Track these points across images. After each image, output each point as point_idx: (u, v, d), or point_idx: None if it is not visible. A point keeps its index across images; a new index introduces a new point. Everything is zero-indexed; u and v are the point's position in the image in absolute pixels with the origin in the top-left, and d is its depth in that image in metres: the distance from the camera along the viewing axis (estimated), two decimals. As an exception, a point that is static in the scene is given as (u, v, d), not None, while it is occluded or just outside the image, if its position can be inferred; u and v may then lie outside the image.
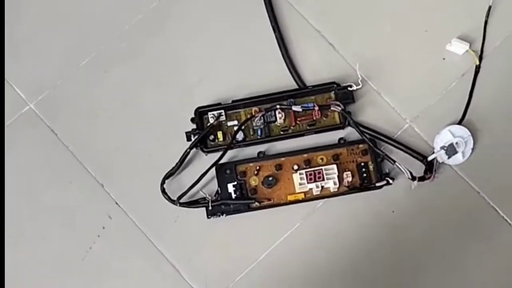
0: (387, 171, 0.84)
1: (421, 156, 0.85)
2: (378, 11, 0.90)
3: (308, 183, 0.82)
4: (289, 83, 0.88)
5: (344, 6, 0.91)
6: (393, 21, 0.90)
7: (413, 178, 0.83)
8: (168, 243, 0.83)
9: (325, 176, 0.82)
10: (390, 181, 0.83)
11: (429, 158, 0.84)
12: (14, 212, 0.83)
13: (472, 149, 0.85)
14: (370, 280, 0.82)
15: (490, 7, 0.90)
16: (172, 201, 0.82)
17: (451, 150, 0.85)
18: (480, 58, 0.89)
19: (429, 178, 0.84)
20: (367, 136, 0.84)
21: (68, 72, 0.88)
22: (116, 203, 0.84)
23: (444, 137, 0.85)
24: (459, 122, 0.87)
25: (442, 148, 0.85)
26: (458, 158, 0.85)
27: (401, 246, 0.84)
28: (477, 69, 0.88)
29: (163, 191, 0.82)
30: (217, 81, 0.88)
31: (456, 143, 0.85)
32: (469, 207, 0.85)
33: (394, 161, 0.82)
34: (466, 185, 0.85)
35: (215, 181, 0.84)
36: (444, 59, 0.89)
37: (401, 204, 0.84)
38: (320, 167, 0.83)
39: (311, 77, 0.88)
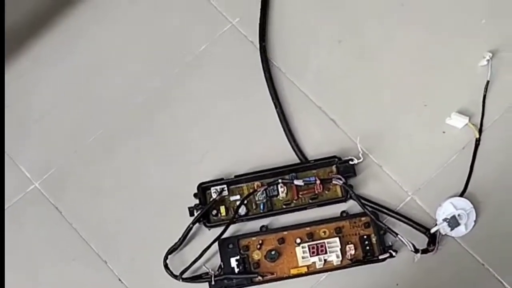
0: (390, 243, 0.84)
1: (423, 228, 0.85)
2: (378, 86, 0.92)
3: (311, 256, 0.82)
4: (291, 158, 0.89)
5: (344, 82, 0.93)
6: (392, 96, 0.92)
7: (416, 251, 0.83)
8: None
9: (327, 249, 0.82)
10: (393, 253, 0.83)
11: (432, 231, 0.84)
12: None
13: (475, 221, 0.85)
14: None
15: (488, 82, 0.91)
16: (175, 276, 0.82)
17: (453, 222, 0.85)
18: (480, 131, 0.90)
19: (432, 250, 0.84)
20: (369, 209, 0.84)
21: (73, 150, 0.90)
22: (119, 280, 0.84)
23: (446, 210, 0.85)
24: (461, 195, 0.87)
25: (444, 220, 0.85)
26: (461, 230, 0.85)
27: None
28: (477, 142, 0.89)
29: (166, 266, 0.83)
30: (220, 157, 0.89)
31: (459, 215, 0.85)
32: (473, 279, 0.84)
33: (397, 234, 0.83)
34: (469, 257, 0.85)
35: (218, 255, 0.84)
36: (444, 132, 0.90)
37: (404, 276, 0.84)
38: (323, 241, 0.83)
39: (313, 151, 0.89)
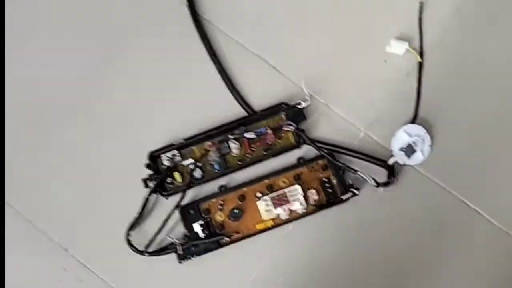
0: (350, 182, 0.83)
1: (381, 162, 0.84)
2: (313, 27, 0.90)
3: (274, 208, 0.81)
4: (238, 112, 0.87)
5: (279, 27, 0.90)
6: (329, 35, 0.90)
7: (378, 185, 0.82)
8: None
9: (290, 198, 0.81)
10: (356, 191, 0.82)
11: (390, 162, 0.83)
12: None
13: (430, 146, 0.85)
14: None
15: (421, 3, 0.90)
16: (140, 252, 0.80)
17: (409, 150, 0.84)
18: (421, 55, 0.89)
19: (393, 182, 0.83)
20: (325, 150, 0.83)
21: (16, 146, 0.85)
22: (84, 266, 0.82)
23: (401, 139, 0.85)
24: (413, 121, 0.86)
25: (400, 150, 0.84)
26: (418, 157, 0.85)
27: (378, 255, 0.83)
28: (420, 65, 0.88)
29: (129, 242, 0.81)
30: (167, 123, 0.86)
31: (414, 142, 0.84)
32: (438, 204, 0.84)
33: (356, 171, 0.82)
34: (431, 183, 0.85)
35: (181, 224, 0.82)
36: (385, 61, 0.89)
37: (370, 213, 0.84)
38: (284, 190, 0.82)
39: (259, 102, 0.87)
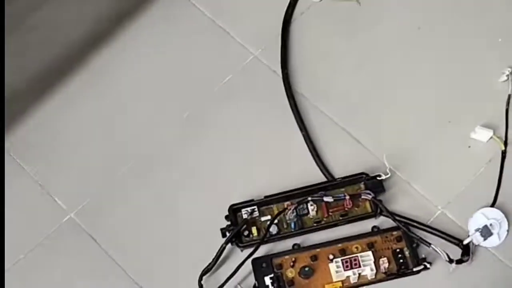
0: (423, 256, 0.84)
1: (456, 240, 0.85)
2: (401, 104, 0.94)
3: (344, 270, 0.83)
4: (319, 179, 0.90)
5: (367, 104, 0.95)
6: (416, 113, 0.93)
7: (451, 261, 0.83)
8: None
9: (361, 263, 0.83)
10: (428, 265, 0.83)
11: (465, 242, 0.84)
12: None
13: (507, 230, 0.85)
14: None
15: (510, 96, 0.93)
16: (211, 300, 0.83)
17: (486, 232, 0.85)
18: (505, 143, 0.91)
19: (466, 260, 0.83)
20: (401, 222, 0.84)
21: (107, 181, 0.91)
22: (154, 303, 0.85)
23: (478, 220, 0.85)
24: (492, 205, 0.87)
25: (476, 230, 0.85)
26: (494, 240, 0.85)
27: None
28: (504, 153, 0.90)
29: (201, 286, 0.83)
30: (250, 181, 0.90)
31: (491, 224, 0.85)
32: (511, 288, 0.83)
33: (430, 244, 0.83)
34: (505, 266, 0.85)
35: (252, 276, 0.85)
36: (469, 147, 0.91)
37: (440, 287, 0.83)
38: (356, 255, 0.83)
39: (340, 171, 0.90)
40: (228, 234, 0.85)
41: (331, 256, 0.84)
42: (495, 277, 0.84)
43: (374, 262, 0.83)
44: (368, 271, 0.83)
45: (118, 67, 0.98)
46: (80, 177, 0.92)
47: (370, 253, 0.83)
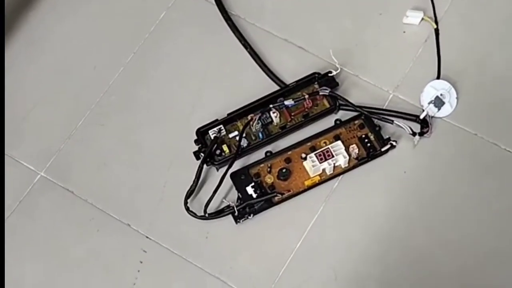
0: (387, 136, 0.88)
1: (413, 116, 0.90)
2: (332, 5, 0.98)
3: (320, 163, 0.86)
4: (274, 88, 0.93)
5: (301, 9, 0.98)
6: (347, 12, 0.97)
7: (414, 133, 0.87)
8: (206, 258, 0.85)
9: (333, 153, 0.86)
10: (394, 143, 0.87)
11: (422, 116, 0.88)
12: (50, 272, 0.85)
13: (457, 98, 0.91)
14: (405, 240, 0.85)
15: (430, -24, 0.97)
16: (200, 217, 0.84)
17: (438, 102, 0.90)
18: (436, 22, 0.96)
19: (427, 131, 0.88)
20: (361, 109, 0.88)
21: (68, 134, 0.91)
22: (147, 237, 0.86)
23: (429, 93, 0.90)
24: (437, 78, 0.92)
25: (430, 103, 0.90)
26: (447, 109, 0.90)
27: (421, 200, 0.87)
28: (437, 31, 0.95)
29: (188, 209, 0.85)
30: (208, 105, 0.92)
31: (441, 94, 0.90)
32: (471, 150, 0.89)
33: (393, 121, 0.87)
34: (462, 131, 0.90)
35: (234, 190, 0.87)
36: (404, 32, 0.96)
37: (409, 162, 0.88)
38: (327, 147, 0.86)
39: (292, 78, 0.93)
40: (202, 155, 0.86)
41: (303, 155, 0.87)
42: (456, 143, 0.89)
43: (345, 150, 0.86)
44: (341, 160, 0.86)
45: (53, 23, 0.99)
46: (41, 137, 0.92)
47: (339, 142, 0.87)
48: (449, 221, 0.86)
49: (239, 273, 0.84)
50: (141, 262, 0.85)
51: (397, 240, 0.85)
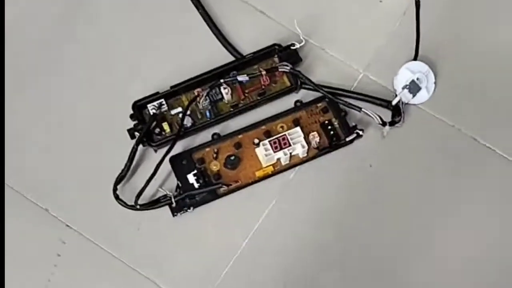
0: (353, 124, 0.77)
1: (385, 102, 0.79)
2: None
3: (274, 152, 0.74)
4: (228, 59, 0.80)
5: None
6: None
7: (384, 123, 0.76)
8: (136, 254, 0.73)
9: (290, 142, 0.75)
10: (360, 132, 0.76)
11: (394, 102, 0.78)
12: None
13: (435, 82, 0.80)
14: (365, 238, 0.75)
15: None
16: (130, 207, 0.72)
17: (414, 87, 0.79)
18: (417, -8, 0.83)
19: (399, 121, 0.77)
20: (325, 91, 0.77)
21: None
22: (67, 226, 0.74)
23: (404, 76, 0.79)
24: (414, 59, 0.81)
25: (404, 87, 0.79)
26: (423, 95, 0.80)
27: (387, 198, 0.77)
28: (418, 3, 0.83)
29: (117, 197, 0.73)
30: (151, 72, 0.80)
31: (417, 78, 0.79)
32: (447, 143, 0.78)
33: (360, 108, 0.76)
34: (438, 121, 0.79)
35: (173, 176, 0.75)
36: (381, 1, 0.84)
37: (376, 155, 0.77)
38: (284, 133, 0.75)
39: (249, 49, 0.81)
40: (137, 135, 0.74)
41: (256, 141, 0.76)
42: (430, 133, 0.79)
43: (304, 138, 0.74)
44: (299, 149, 0.75)
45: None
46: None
47: (298, 129, 0.75)
48: (416, 221, 0.75)
49: (173, 274, 0.73)
50: (59, 255, 0.74)
51: (356, 241, 0.75)
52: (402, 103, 0.78)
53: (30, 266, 0.73)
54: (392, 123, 0.77)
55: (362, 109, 0.76)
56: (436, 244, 0.75)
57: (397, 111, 0.78)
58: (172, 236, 0.74)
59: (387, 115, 0.78)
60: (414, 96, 0.79)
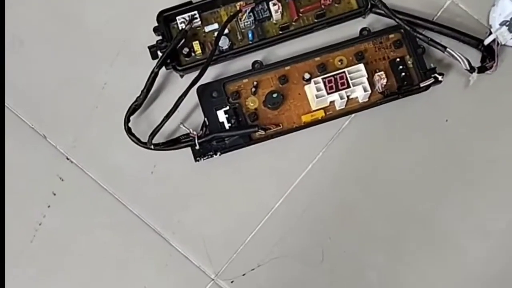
0: (431, 65, 0.64)
1: (474, 40, 0.65)
2: None
3: (328, 94, 0.62)
4: (281, -34, 0.65)
5: None
6: None
7: (471, 69, 0.63)
8: (146, 203, 0.63)
9: (350, 81, 0.62)
10: (439, 77, 0.63)
11: (486, 41, 0.65)
12: None
13: (543, 20, 0.65)
14: (424, 210, 0.63)
15: None
16: (143, 144, 0.60)
17: (515, 25, 0.65)
18: None
19: (490, 67, 0.64)
20: (401, 19, 0.62)
21: None
22: (68, 159, 0.63)
23: (503, 9, 0.65)
24: (520, -13, 0.66)
25: (502, 24, 0.65)
26: (526, 35, 0.65)
27: (462, 164, 0.64)
28: None
29: (129, 131, 0.61)
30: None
31: (522, 13, 0.64)
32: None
33: (445, 48, 0.61)
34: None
35: (200, 111, 0.63)
36: None
37: (456, 108, 0.65)
38: (342, 70, 0.62)
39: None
40: (160, 54, 0.63)
41: (306, 75, 0.64)
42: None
43: (368, 79, 0.62)
44: (360, 92, 0.63)
45: None
46: None
47: (361, 65, 0.63)
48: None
49: (188, 231, 0.62)
50: (54, 194, 0.63)
51: (414, 214, 0.63)
52: (498, 43, 0.65)
53: (19, 204, 0.63)
54: (481, 69, 0.64)
55: (447, 49, 0.61)
56: None
57: (490, 54, 0.65)
58: (191, 186, 0.63)
59: (475, 57, 0.65)
60: (514, 36, 0.64)
